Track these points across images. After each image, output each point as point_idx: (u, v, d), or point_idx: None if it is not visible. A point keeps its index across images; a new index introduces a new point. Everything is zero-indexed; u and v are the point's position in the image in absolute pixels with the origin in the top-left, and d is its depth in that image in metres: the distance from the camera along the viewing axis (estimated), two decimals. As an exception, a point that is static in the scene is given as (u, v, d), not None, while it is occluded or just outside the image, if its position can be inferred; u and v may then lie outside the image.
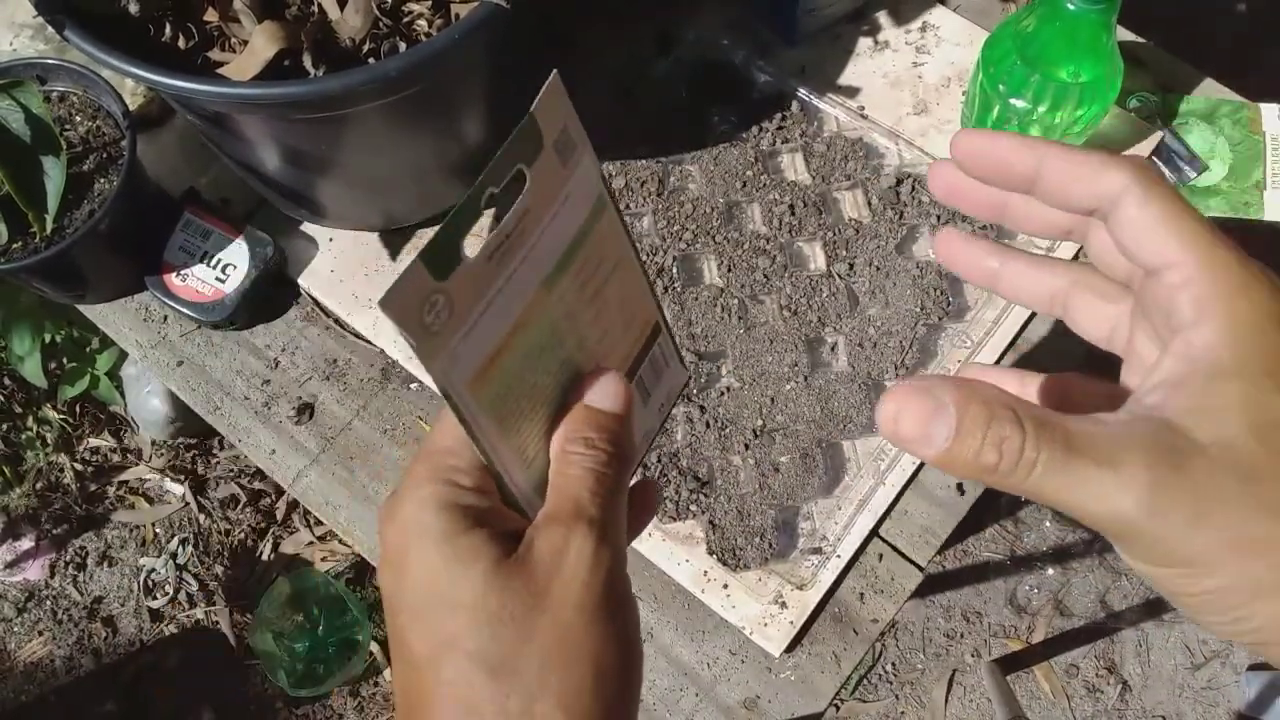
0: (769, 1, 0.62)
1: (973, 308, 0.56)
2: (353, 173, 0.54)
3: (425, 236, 0.60)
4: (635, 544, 0.52)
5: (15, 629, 1.20)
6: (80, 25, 0.44)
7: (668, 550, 0.52)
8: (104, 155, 0.55)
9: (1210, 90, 0.61)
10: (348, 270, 0.59)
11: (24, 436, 1.24)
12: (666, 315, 0.30)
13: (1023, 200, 0.24)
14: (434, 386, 0.25)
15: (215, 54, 0.48)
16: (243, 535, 1.22)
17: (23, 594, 1.22)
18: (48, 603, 1.21)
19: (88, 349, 1.05)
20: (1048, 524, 1.21)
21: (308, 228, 0.60)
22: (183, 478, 1.24)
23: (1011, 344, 0.56)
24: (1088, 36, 0.49)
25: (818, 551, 0.52)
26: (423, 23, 0.48)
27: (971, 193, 0.25)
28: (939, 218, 0.58)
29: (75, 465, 1.25)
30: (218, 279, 0.57)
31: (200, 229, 0.58)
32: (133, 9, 0.46)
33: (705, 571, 0.52)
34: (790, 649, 0.51)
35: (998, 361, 0.55)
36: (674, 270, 0.57)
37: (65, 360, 1.06)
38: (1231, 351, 0.20)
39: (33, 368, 0.83)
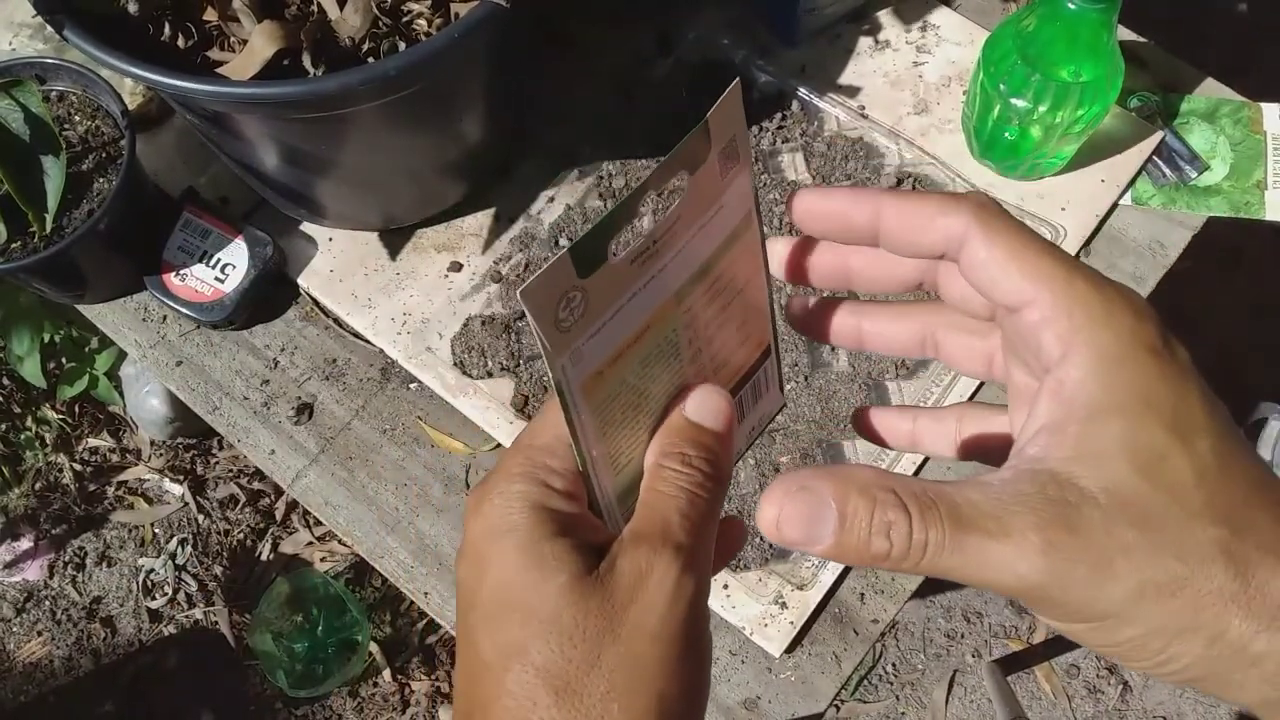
0: (769, 1, 0.62)
1: (973, 308, 0.56)
2: (352, 172, 0.54)
3: (425, 236, 0.60)
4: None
5: (14, 629, 1.20)
6: (79, 24, 0.44)
7: (668, 551, 0.52)
8: (103, 155, 0.55)
9: (1211, 90, 0.61)
10: (347, 270, 0.59)
11: (23, 436, 1.24)
12: (778, 338, 0.29)
13: (867, 261, 0.24)
14: (549, 378, 0.25)
15: (214, 53, 0.48)
16: (242, 535, 1.22)
17: (21, 594, 1.21)
18: (46, 603, 1.21)
19: (87, 349, 1.05)
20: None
21: (307, 227, 0.60)
22: (182, 478, 1.24)
23: (1012, 344, 0.56)
24: (1088, 36, 0.49)
25: (818, 552, 0.52)
26: (422, 22, 0.48)
27: (815, 265, 0.25)
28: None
29: (74, 465, 1.25)
30: (217, 279, 0.57)
31: (199, 228, 0.58)
32: (132, 8, 0.46)
33: (705, 572, 0.51)
34: (790, 649, 0.51)
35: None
36: (674, 270, 0.57)
37: (64, 360, 1.06)
38: (1103, 387, 0.20)
39: (32, 368, 0.83)
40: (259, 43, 0.45)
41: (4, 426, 1.24)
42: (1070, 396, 0.20)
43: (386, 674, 1.14)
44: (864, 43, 0.63)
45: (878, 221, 0.23)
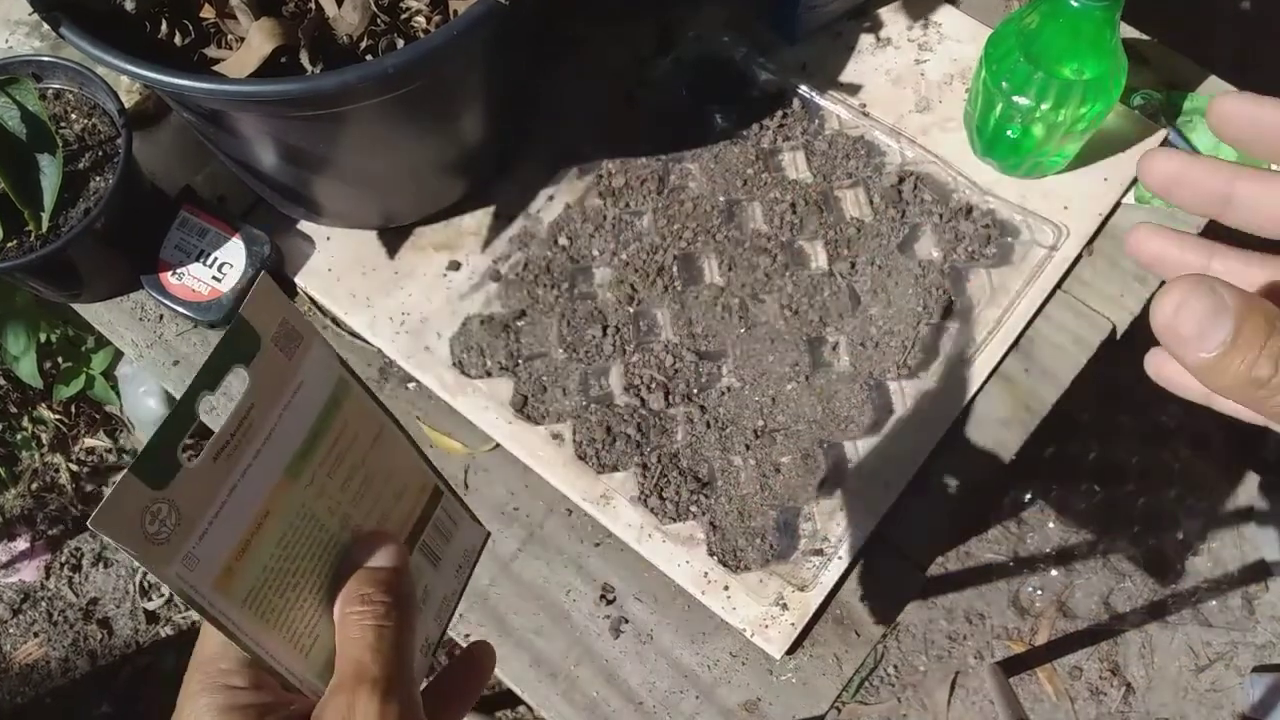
0: (770, -1, 0.62)
1: (975, 306, 0.56)
2: (350, 171, 0.53)
3: (423, 235, 0.60)
4: (635, 545, 0.52)
5: (10, 631, 1.20)
6: (76, 22, 0.43)
7: (668, 551, 0.52)
8: (100, 153, 0.55)
9: (1215, 88, 0.61)
10: (345, 269, 0.59)
11: (19, 437, 1.24)
12: (446, 478, 0.31)
13: (1255, 191, 0.23)
14: (172, 591, 0.26)
15: (212, 51, 0.47)
16: (240, 536, 1.22)
17: (18, 595, 1.21)
18: (43, 604, 1.21)
19: (83, 348, 1.05)
20: (1051, 525, 1.20)
21: (305, 226, 0.60)
22: (180, 479, 1.23)
23: (1015, 344, 0.55)
24: (1091, 33, 0.49)
25: (819, 553, 0.51)
26: (421, 20, 0.47)
27: (1200, 180, 0.23)
28: (941, 216, 0.57)
29: (71, 466, 1.24)
30: (214, 278, 0.57)
31: (196, 227, 0.58)
32: (129, 6, 0.46)
33: (706, 573, 0.51)
34: (791, 651, 0.51)
35: (1000, 361, 0.55)
36: (674, 269, 0.57)
37: (60, 360, 1.05)
38: None
39: (28, 367, 0.83)
40: (256, 40, 0.45)
41: (1, 426, 1.24)
42: None
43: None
44: (865, 40, 0.63)
45: (1231, 189, 0.22)
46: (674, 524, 0.52)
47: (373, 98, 0.45)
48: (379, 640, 0.25)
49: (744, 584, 0.51)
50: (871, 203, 0.58)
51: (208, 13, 0.47)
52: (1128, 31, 0.62)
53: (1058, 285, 0.56)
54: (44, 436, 1.24)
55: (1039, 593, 1.17)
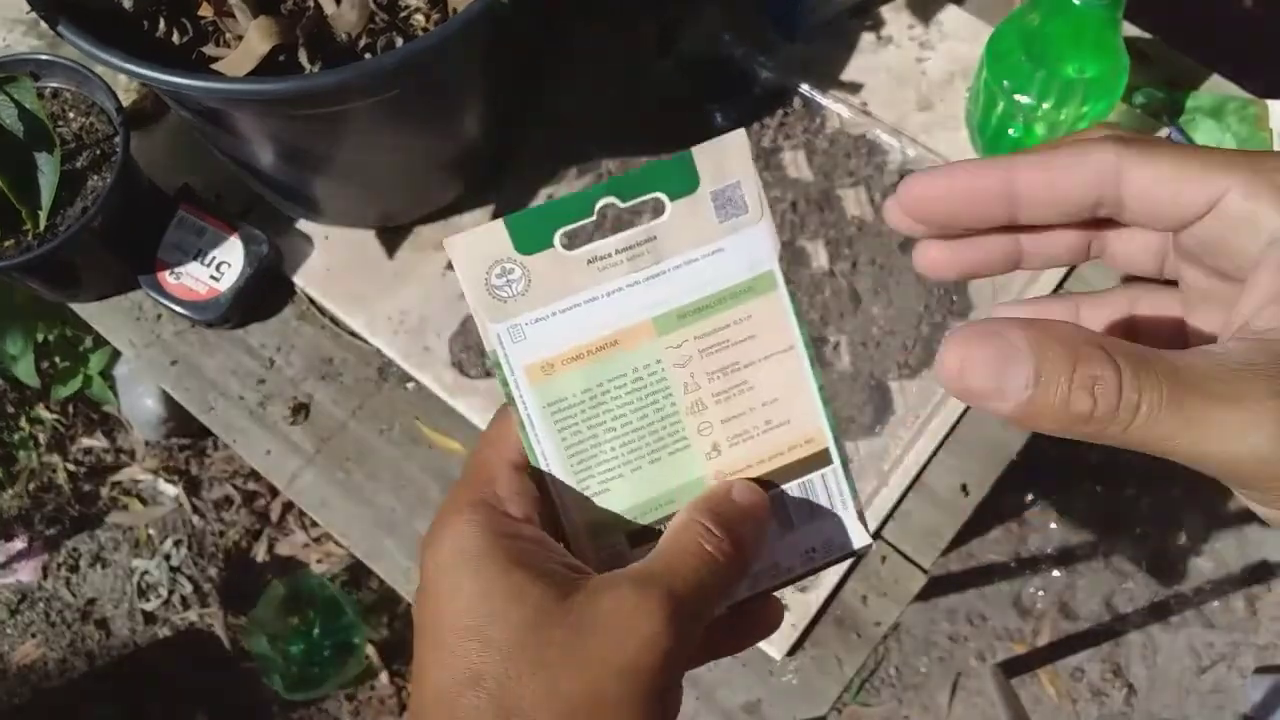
0: (771, -3, 0.61)
1: (976, 306, 0.55)
2: (349, 170, 0.53)
3: (422, 234, 0.59)
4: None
5: (8, 631, 1.19)
6: (74, 20, 0.43)
7: (668, 553, 0.51)
8: (97, 152, 0.54)
9: (1217, 86, 0.61)
10: (343, 268, 0.59)
11: (16, 437, 1.24)
12: (846, 455, 0.27)
13: (1038, 178, 0.21)
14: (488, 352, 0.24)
15: (210, 49, 0.47)
16: (237, 537, 1.21)
17: (15, 596, 1.21)
18: (40, 605, 1.20)
19: (80, 348, 1.04)
20: (1053, 525, 1.20)
21: (303, 225, 0.60)
22: (176, 478, 1.23)
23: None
24: (1093, 32, 0.49)
25: (821, 554, 0.51)
26: (419, 18, 0.47)
27: (969, 187, 0.21)
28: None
29: (68, 466, 1.24)
30: (212, 277, 0.57)
31: (194, 226, 0.57)
32: (127, 4, 0.46)
33: (706, 574, 0.51)
34: (792, 652, 0.50)
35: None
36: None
37: (58, 360, 1.05)
38: None
39: (25, 367, 0.83)
40: (254, 38, 0.45)
41: (-1, 427, 1.24)
42: None
43: (383, 676, 1.14)
44: (867, 39, 0.63)
45: (1011, 186, 0.20)
46: (674, 525, 0.52)
47: (371, 96, 0.45)
48: (708, 571, 0.23)
49: (745, 585, 0.51)
50: (873, 202, 0.58)
51: (206, 11, 0.47)
52: (1130, 30, 0.62)
53: (1060, 284, 0.56)
54: (41, 436, 1.24)
55: (1041, 594, 1.17)
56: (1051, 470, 1.20)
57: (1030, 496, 1.20)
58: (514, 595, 0.22)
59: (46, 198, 0.49)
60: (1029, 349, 0.17)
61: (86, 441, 1.26)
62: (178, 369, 0.58)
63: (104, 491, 1.24)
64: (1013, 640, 1.15)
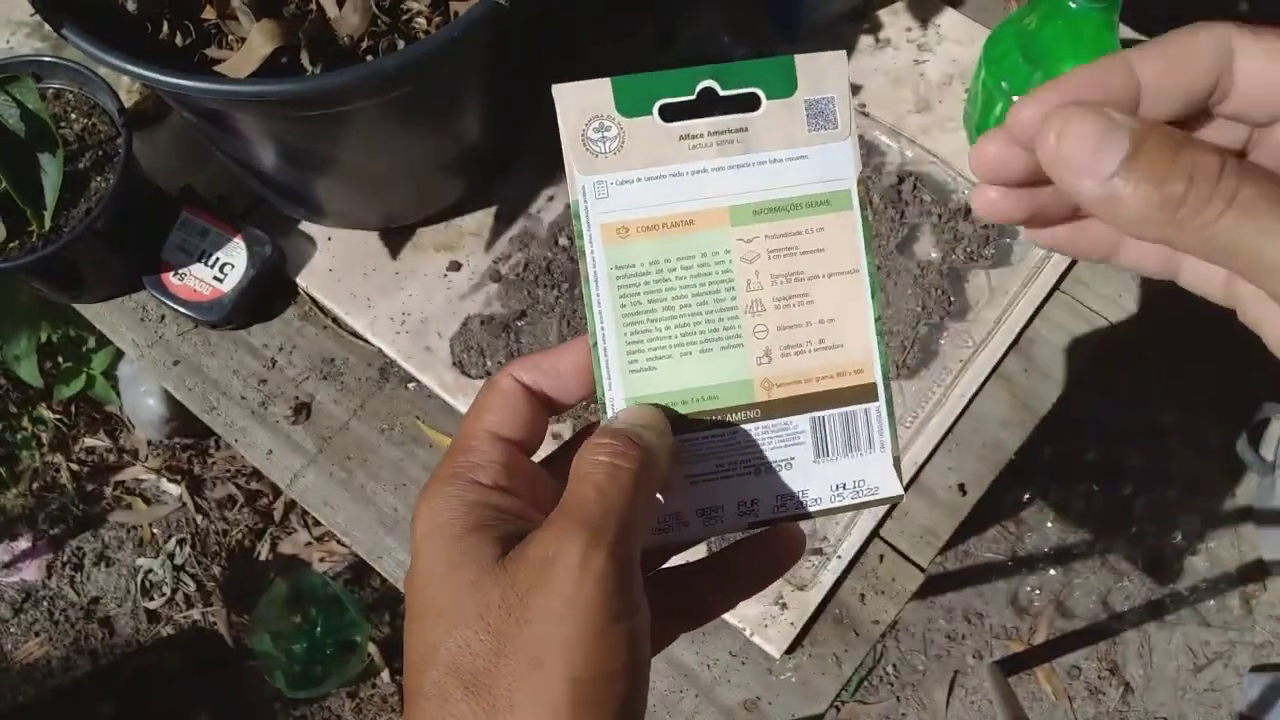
0: (770, -1, 0.62)
1: (974, 307, 0.56)
2: (351, 171, 0.53)
3: (424, 235, 0.60)
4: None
5: (12, 630, 1.20)
6: (77, 22, 0.43)
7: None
8: (100, 153, 0.55)
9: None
10: (346, 269, 0.59)
11: (20, 436, 1.24)
12: (892, 401, 0.26)
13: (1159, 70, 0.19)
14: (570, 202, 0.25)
15: (212, 51, 0.48)
16: (240, 536, 1.22)
17: (19, 595, 1.21)
18: (44, 603, 1.21)
19: (84, 348, 1.05)
20: (1049, 525, 1.21)
21: (306, 226, 0.60)
22: (179, 478, 1.23)
23: (1014, 344, 0.55)
24: (1090, 34, 0.49)
25: (818, 552, 0.51)
26: (421, 20, 0.47)
27: (1099, 81, 0.19)
28: (940, 216, 0.57)
29: (71, 465, 1.24)
30: (215, 278, 0.57)
31: (198, 228, 0.58)
32: (130, 6, 0.46)
33: (705, 572, 0.51)
34: (791, 650, 0.51)
35: (999, 361, 0.55)
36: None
37: (61, 360, 1.05)
38: None
39: (28, 367, 0.83)
40: (257, 40, 0.45)
41: (1, 426, 1.24)
42: None
43: (385, 674, 1.14)
44: (865, 41, 0.63)
45: (1135, 78, 0.19)
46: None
47: (373, 98, 0.45)
48: (609, 481, 0.22)
49: (743, 583, 0.51)
50: (870, 203, 0.58)
51: (209, 13, 0.47)
52: (1127, 32, 0.62)
53: (1056, 286, 0.57)
54: (44, 436, 1.24)
55: (1038, 592, 1.18)
56: (1048, 470, 1.21)
57: (1027, 496, 1.21)
58: (459, 560, 0.22)
59: (50, 199, 0.49)
60: (1132, 127, 0.16)
61: (90, 441, 1.26)
62: (180, 369, 0.59)
63: (107, 491, 1.25)
64: (1010, 639, 1.16)
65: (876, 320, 0.25)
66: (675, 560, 0.29)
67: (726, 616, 0.51)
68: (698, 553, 0.32)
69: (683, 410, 0.25)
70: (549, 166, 0.61)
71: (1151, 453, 1.21)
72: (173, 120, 0.63)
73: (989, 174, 0.21)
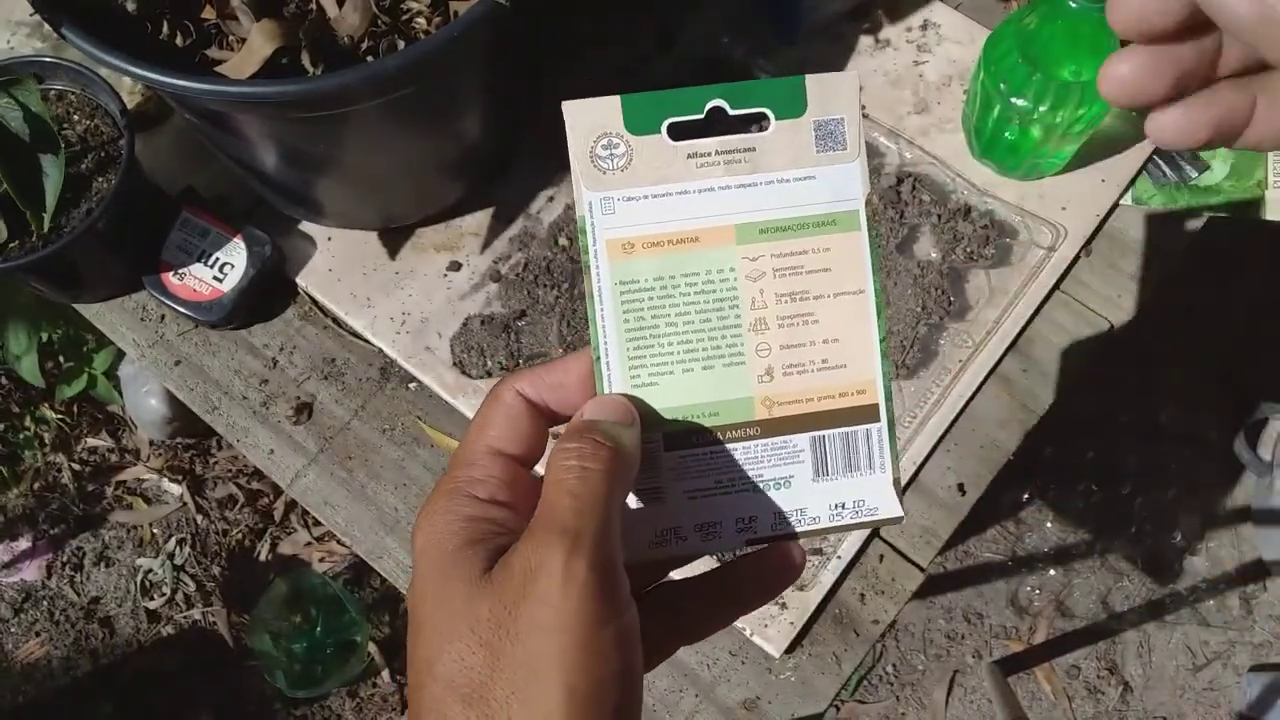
0: None
1: (974, 307, 0.56)
2: (351, 172, 0.54)
3: (424, 235, 0.60)
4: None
5: (12, 629, 1.20)
6: (78, 23, 0.43)
7: (667, 551, 0.52)
8: (101, 154, 0.55)
9: (1212, 89, 0.61)
10: (346, 269, 0.59)
11: (21, 436, 1.24)
12: (895, 422, 0.26)
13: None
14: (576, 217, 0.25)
15: (213, 52, 0.48)
16: (240, 536, 1.22)
17: (19, 594, 1.21)
18: (45, 603, 1.21)
19: (85, 348, 1.05)
20: (1049, 525, 1.21)
21: (306, 227, 0.60)
22: (180, 478, 1.24)
23: (1013, 344, 0.55)
24: (1090, 35, 0.49)
25: (818, 552, 0.52)
26: (421, 21, 0.48)
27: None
28: (939, 216, 0.57)
29: (73, 465, 1.25)
30: (215, 278, 0.57)
31: (198, 228, 0.58)
32: (130, 7, 0.46)
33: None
34: (790, 650, 0.51)
35: (998, 362, 0.55)
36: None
37: (62, 360, 1.05)
38: None
39: (29, 367, 0.83)
40: (257, 41, 0.45)
41: (2, 426, 1.24)
42: None
43: (385, 674, 1.14)
44: (864, 41, 0.63)
45: None
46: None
47: (373, 99, 0.46)
48: (580, 485, 0.22)
49: (743, 583, 0.51)
50: (870, 204, 0.58)
51: (209, 14, 0.47)
52: (1126, 33, 0.62)
53: (1056, 286, 0.57)
54: (46, 436, 1.25)
55: (1037, 592, 1.18)
56: (1048, 470, 1.21)
57: (1027, 496, 1.21)
58: (451, 574, 0.22)
59: (51, 199, 0.49)
60: None
61: (91, 441, 1.26)
62: (181, 369, 0.59)
63: (108, 491, 1.25)
64: (1009, 638, 1.16)
65: (881, 341, 0.26)
66: (675, 574, 0.29)
67: (726, 616, 0.51)
68: (698, 567, 0.32)
69: (683, 426, 0.25)
70: (549, 167, 0.61)
71: (1151, 453, 1.22)
72: (174, 121, 0.63)
73: (1136, 20, 0.19)
